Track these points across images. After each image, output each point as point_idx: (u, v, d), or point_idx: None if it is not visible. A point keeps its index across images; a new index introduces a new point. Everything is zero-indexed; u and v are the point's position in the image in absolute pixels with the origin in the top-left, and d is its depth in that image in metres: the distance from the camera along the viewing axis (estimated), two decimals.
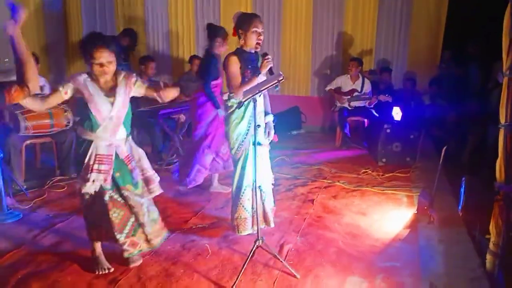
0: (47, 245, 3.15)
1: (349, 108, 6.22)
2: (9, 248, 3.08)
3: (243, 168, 3.12)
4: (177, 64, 7.56)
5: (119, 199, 2.64)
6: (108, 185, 2.57)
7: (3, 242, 3.17)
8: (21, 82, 1.92)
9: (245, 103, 2.88)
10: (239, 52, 3.08)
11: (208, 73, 4.15)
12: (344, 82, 6.31)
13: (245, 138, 3.07)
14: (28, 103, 2.31)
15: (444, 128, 5.96)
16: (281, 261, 2.82)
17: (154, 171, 2.81)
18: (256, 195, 2.97)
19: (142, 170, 2.74)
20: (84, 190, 2.56)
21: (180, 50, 7.57)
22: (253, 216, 3.15)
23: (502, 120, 2.67)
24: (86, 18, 7.75)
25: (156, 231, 2.82)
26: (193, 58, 6.47)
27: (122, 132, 2.63)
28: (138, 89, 2.64)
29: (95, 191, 2.57)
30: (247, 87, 2.93)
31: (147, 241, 2.77)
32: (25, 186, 4.16)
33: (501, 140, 2.67)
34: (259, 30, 3.04)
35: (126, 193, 2.64)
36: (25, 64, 1.96)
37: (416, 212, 3.74)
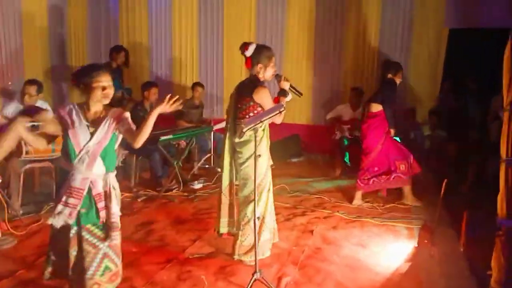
0: (40, 275, 3.06)
1: (350, 137, 6.23)
2: (2, 275, 3.02)
3: (268, 191, 3.33)
4: (179, 91, 7.60)
5: (78, 237, 2.46)
6: (72, 220, 2.41)
7: None
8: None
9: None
10: (264, 85, 3.24)
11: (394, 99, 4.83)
12: (345, 111, 6.35)
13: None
14: (33, 143, 2.40)
15: (444, 160, 5.94)
16: None
17: (118, 219, 2.54)
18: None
19: (110, 214, 2.49)
20: (49, 221, 2.42)
21: (183, 77, 7.65)
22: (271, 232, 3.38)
23: (503, 154, 2.66)
24: (90, 44, 7.87)
25: (98, 283, 2.47)
26: (195, 85, 6.53)
27: (100, 167, 2.45)
28: (120, 128, 2.50)
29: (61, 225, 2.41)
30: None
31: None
32: (21, 212, 4.12)
33: (502, 175, 2.64)
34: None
35: (83, 233, 2.45)
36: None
37: (416, 245, 3.69)
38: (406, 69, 6.77)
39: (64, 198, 2.41)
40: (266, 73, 3.24)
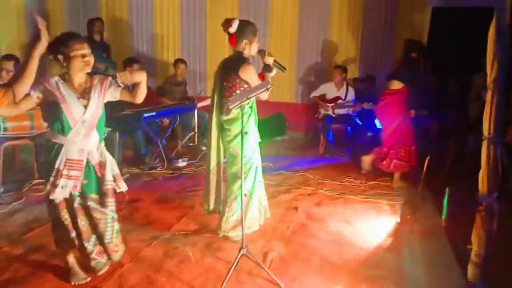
0: (25, 251, 3.06)
1: (333, 116, 6.26)
2: None
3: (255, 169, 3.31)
4: (162, 67, 7.50)
5: (85, 207, 2.53)
6: (77, 191, 2.47)
7: None
8: (12, 85, 1.91)
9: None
10: (249, 61, 3.19)
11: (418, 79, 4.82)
12: (329, 90, 6.36)
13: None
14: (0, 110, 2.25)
15: (426, 138, 6.04)
16: (265, 270, 2.80)
17: (115, 185, 2.66)
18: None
19: (105, 181, 2.58)
20: (52, 196, 2.42)
21: (165, 53, 7.52)
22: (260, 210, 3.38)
23: (486, 132, 2.71)
24: (69, 20, 7.63)
25: (116, 244, 2.69)
26: (177, 61, 6.40)
27: (95, 137, 2.52)
28: (113, 93, 2.57)
29: (64, 198, 2.46)
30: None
31: (107, 253, 2.67)
32: (2, 189, 4.05)
33: (484, 152, 2.71)
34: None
35: (89, 203, 2.53)
36: (27, 76, 2.02)
37: (399, 221, 3.78)
38: (390, 47, 6.82)
39: (65, 172, 2.41)
40: (252, 49, 3.19)
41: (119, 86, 2.58)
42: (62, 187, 2.41)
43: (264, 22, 7.13)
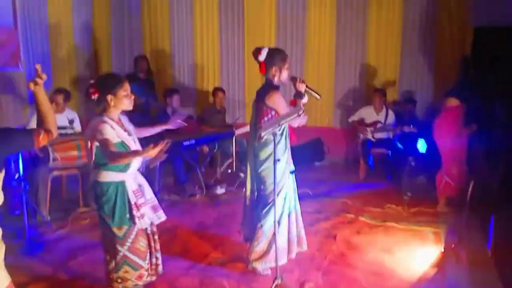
0: (69, 278, 3.16)
1: (373, 140, 6.14)
2: (29, 281, 3.10)
3: (281, 198, 3.19)
4: (201, 97, 7.68)
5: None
6: (159, 213, 2.70)
7: (24, 274, 3.18)
8: (44, 128, 2.02)
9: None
10: (278, 89, 3.20)
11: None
12: (368, 113, 6.27)
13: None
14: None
15: (472, 160, 5.78)
16: None
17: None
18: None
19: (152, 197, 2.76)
20: (142, 225, 2.56)
21: (205, 82, 7.70)
22: (288, 244, 3.24)
23: None
24: (115, 54, 8.02)
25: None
26: (216, 90, 6.55)
27: (137, 164, 2.65)
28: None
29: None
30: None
31: (157, 265, 2.79)
32: (49, 218, 4.23)
33: None
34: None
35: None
36: (46, 116, 2.04)
37: (443, 250, 3.60)
38: (431, 69, 6.66)
39: (141, 200, 2.56)
40: (282, 75, 3.20)
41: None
42: (145, 215, 2.57)
43: (302, 48, 7.19)
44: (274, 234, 3.08)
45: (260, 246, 3.20)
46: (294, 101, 3.24)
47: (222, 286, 3.04)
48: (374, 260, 3.50)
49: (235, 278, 3.17)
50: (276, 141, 3.06)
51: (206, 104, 7.00)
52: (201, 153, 5.81)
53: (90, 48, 8.00)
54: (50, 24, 7.25)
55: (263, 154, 3.16)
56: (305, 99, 3.22)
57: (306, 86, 3.21)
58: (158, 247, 2.77)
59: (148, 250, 2.67)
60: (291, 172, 3.17)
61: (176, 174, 5.38)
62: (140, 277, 2.61)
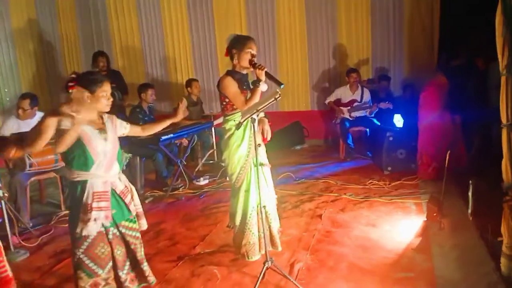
0: (56, 282, 3.12)
1: (350, 119, 6.21)
2: (19, 286, 3.04)
3: (247, 191, 3.08)
4: (176, 90, 7.62)
5: (119, 235, 2.56)
6: (109, 222, 2.47)
7: None
8: (26, 145, 1.98)
9: (244, 123, 2.88)
10: (232, 73, 3.08)
11: None
12: (344, 93, 6.32)
13: (246, 160, 3.04)
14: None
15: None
16: (292, 281, 2.77)
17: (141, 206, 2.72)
18: (262, 217, 2.93)
19: (135, 205, 2.65)
20: (86, 232, 2.40)
21: (179, 75, 7.65)
22: (259, 240, 3.11)
23: (504, 120, 2.64)
24: (84, 51, 7.86)
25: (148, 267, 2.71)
26: (191, 81, 6.46)
27: (116, 168, 2.55)
28: (121, 129, 2.65)
29: (97, 233, 2.44)
30: (252, 101, 2.92)
31: (145, 277, 2.67)
32: (31, 224, 4.16)
33: (504, 140, 2.63)
34: (253, 51, 3.03)
35: (123, 230, 2.56)
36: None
37: (426, 219, 3.69)
38: (401, 43, 6.75)
39: (95, 204, 2.41)
40: (242, 60, 3.02)
41: (127, 123, 2.69)
42: (95, 220, 2.40)
43: (273, 35, 7.19)
44: (246, 224, 3.06)
45: (236, 234, 3.16)
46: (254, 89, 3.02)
47: (213, 275, 3.04)
48: (360, 235, 3.56)
49: (226, 265, 3.18)
50: (230, 132, 3.03)
51: (181, 97, 6.91)
52: (181, 146, 5.78)
53: (58, 50, 7.84)
54: (14, 29, 7.07)
55: (223, 143, 3.12)
56: (264, 87, 2.95)
57: (267, 74, 2.96)
58: (140, 256, 2.64)
59: (111, 259, 2.52)
60: (258, 145, 2.90)
61: (157, 169, 5.34)
62: (95, 285, 2.46)
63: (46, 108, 5.88)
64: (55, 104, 7.65)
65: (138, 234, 2.66)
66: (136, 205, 2.66)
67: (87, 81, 2.45)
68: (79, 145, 2.40)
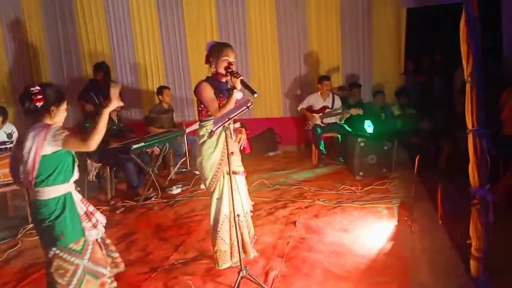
0: None
1: (322, 125, 6.27)
2: None
3: (219, 199, 3.07)
4: (147, 97, 7.52)
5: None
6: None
7: None
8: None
9: (217, 131, 2.87)
10: (210, 80, 3.09)
11: None
12: (315, 100, 6.39)
13: (219, 167, 3.03)
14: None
15: (420, 135, 6.07)
16: None
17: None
18: (235, 225, 2.92)
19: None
20: (95, 236, 2.46)
21: (150, 82, 7.55)
22: (231, 248, 3.10)
23: (469, 125, 2.72)
24: (51, 58, 7.67)
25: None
26: (162, 88, 6.37)
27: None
28: (51, 144, 2.33)
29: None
30: (226, 109, 2.91)
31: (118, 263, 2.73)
32: None
33: (470, 145, 2.71)
34: (230, 59, 3.04)
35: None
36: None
37: (397, 223, 3.76)
38: (370, 51, 6.89)
39: (91, 208, 2.49)
40: (219, 67, 3.05)
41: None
42: (97, 223, 2.47)
43: (244, 42, 7.21)
44: (217, 232, 3.07)
45: (213, 240, 3.16)
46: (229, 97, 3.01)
47: (187, 286, 3.00)
48: (333, 241, 3.59)
49: (200, 275, 3.14)
50: (204, 139, 3.04)
51: (152, 104, 6.84)
52: (153, 155, 5.69)
53: (24, 58, 7.61)
54: None
55: (197, 149, 3.13)
56: (238, 95, 2.93)
57: (242, 82, 2.93)
58: (113, 247, 2.70)
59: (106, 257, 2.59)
60: (231, 153, 2.88)
61: (128, 179, 5.24)
62: (102, 285, 2.49)
63: (12, 119, 5.71)
64: (20, 115, 7.40)
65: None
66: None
67: (54, 95, 2.41)
68: (67, 154, 2.38)
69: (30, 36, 7.62)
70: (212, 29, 7.22)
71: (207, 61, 3.12)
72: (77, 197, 2.45)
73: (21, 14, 7.50)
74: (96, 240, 2.52)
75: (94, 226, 2.45)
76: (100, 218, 2.53)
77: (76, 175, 2.46)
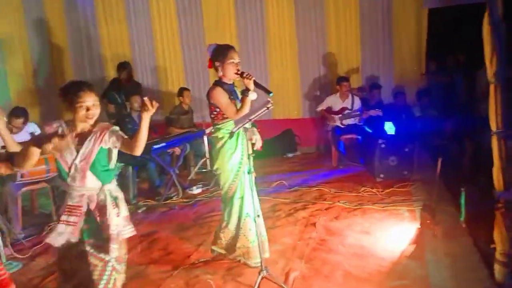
0: None
1: (342, 127, 6.25)
2: None
3: (241, 198, 3.10)
4: (167, 99, 7.60)
5: (83, 252, 2.40)
6: (75, 238, 2.34)
7: None
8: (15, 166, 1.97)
9: (236, 132, 2.90)
10: (220, 84, 3.11)
11: None
12: (334, 102, 6.36)
13: (240, 167, 3.06)
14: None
15: (443, 136, 5.98)
16: None
17: (118, 232, 2.41)
18: (256, 225, 2.94)
19: (109, 225, 2.37)
20: (48, 240, 2.34)
21: (170, 84, 7.64)
22: (255, 246, 3.13)
23: (493, 127, 2.68)
24: (74, 61, 7.82)
25: None
26: (182, 90, 6.46)
27: (94, 182, 2.39)
28: (115, 143, 2.42)
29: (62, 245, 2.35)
30: (243, 111, 2.93)
31: None
32: (23, 235, 4.11)
33: (495, 147, 2.67)
34: (236, 61, 3.05)
35: (87, 248, 2.37)
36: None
37: (419, 226, 3.71)
38: (391, 52, 6.83)
39: (64, 217, 2.34)
40: (226, 71, 3.06)
41: (122, 136, 2.44)
42: (59, 233, 2.33)
43: (263, 44, 7.23)
44: (240, 229, 3.12)
45: (228, 242, 3.24)
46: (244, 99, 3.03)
47: (208, 285, 3.03)
48: (354, 243, 3.57)
49: (221, 274, 3.16)
50: (223, 141, 3.06)
51: (173, 106, 6.91)
52: (173, 155, 5.76)
53: (47, 60, 7.77)
54: (2, 40, 7.03)
55: (215, 152, 3.14)
56: (253, 96, 2.95)
57: (255, 83, 2.95)
58: (95, 276, 2.37)
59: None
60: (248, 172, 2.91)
61: (150, 179, 5.32)
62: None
63: (35, 118, 5.84)
64: (44, 114, 7.57)
65: (108, 258, 2.37)
66: (110, 225, 2.36)
67: (66, 90, 2.38)
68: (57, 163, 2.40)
69: (54, 38, 7.78)
70: (231, 32, 7.26)
71: (212, 65, 3.13)
72: (70, 200, 2.40)
73: (44, 15, 7.65)
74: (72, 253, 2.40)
75: (58, 233, 2.34)
76: (66, 231, 2.34)
77: (72, 176, 2.38)
